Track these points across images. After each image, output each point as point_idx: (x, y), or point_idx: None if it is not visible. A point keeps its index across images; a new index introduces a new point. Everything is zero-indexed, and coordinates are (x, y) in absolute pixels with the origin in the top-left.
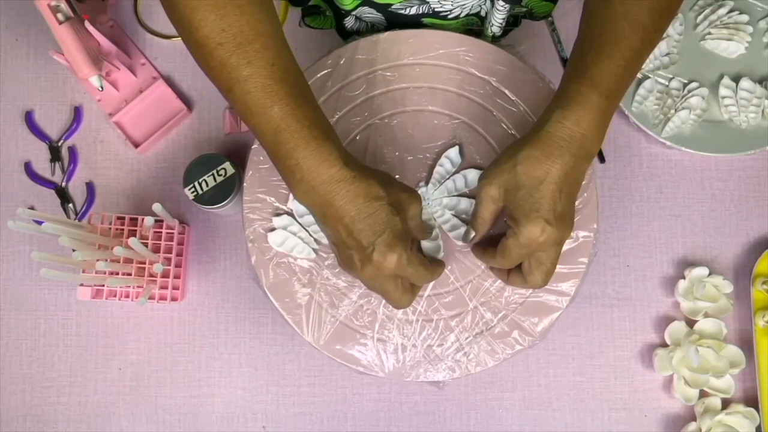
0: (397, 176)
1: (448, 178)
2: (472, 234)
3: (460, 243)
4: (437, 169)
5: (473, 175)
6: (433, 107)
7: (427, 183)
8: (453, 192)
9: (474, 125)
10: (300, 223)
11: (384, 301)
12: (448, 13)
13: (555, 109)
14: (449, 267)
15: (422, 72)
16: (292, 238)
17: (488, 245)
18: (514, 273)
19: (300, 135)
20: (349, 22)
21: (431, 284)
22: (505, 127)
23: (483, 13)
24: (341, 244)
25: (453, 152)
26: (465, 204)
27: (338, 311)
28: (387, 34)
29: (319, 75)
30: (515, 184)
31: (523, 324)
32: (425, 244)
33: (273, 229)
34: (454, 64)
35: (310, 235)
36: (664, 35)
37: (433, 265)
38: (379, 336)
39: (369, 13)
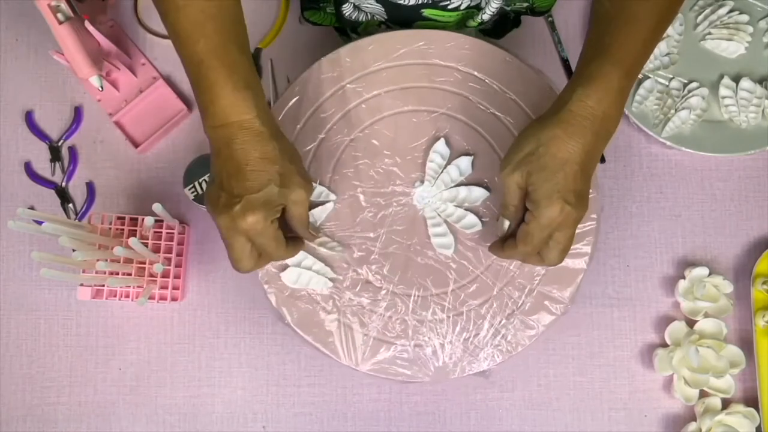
0: (394, 182)
1: (442, 172)
2: (507, 224)
3: (468, 232)
4: (429, 165)
5: (465, 162)
6: (410, 106)
7: (422, 182)
8: (450, 184)
9: (453, 114)
10: (313, 256)
11: (410, 306)
12: (448, 2)
13: (576, 88)
14: (469, 254)
15: (390, 75)
16: (305, 272)
17: (504, 240)
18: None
19: (219, 73)
20: (347, 10)
21: (452, 280)
22: (483, 108)
23: (483, 5)
24: (218, 182)
25: (440, 145)
26: (464, 192)
27: (368, 328)
28: (346, 47)
29: (290, 104)
30: (538, 165)
31: (551, 294)
32: (438, 240)
33: (285, 267)
34: (418, 59)
35: (326, 265)
36: (664, 35)
37: (289, 247)
38: (416, 342)
39: (368, 4)
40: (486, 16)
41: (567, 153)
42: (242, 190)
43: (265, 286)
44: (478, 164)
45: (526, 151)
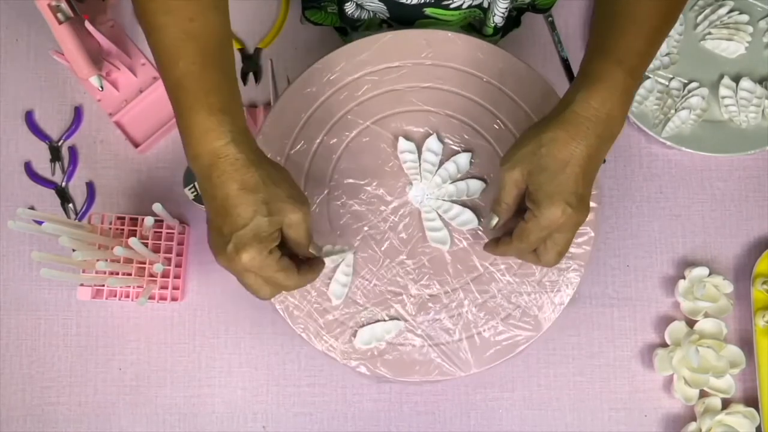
0: (387, 192)
1: (439, 168)
2: (495, 220)
3: (464, 228)
4: (424, 165)
5: (464, 159)
6: (369, 121)
7: (416, 182)
8: (447, 180)
9: (401, 109)
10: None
11: (475, 289)
12: (451, 2)
13: (580, 89)
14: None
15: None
16: (376, 327)
17: (498, 239)
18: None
19: (196, 98)
20: (350, 9)
21: (479, 257)
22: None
23: (486, 4)
24: (209, 220)
25: (432, 141)
26: (462, 186)
27: (456, 333)
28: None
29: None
30: (539, 166)
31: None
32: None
33: (355, 332)
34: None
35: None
36: None
37: (302, 271)
38: (502, 316)
39: (370, 2)
40: (498, 18)
41: (568, 154)
42: (230, 228)
43: (353, 363)
44: (476, 161)
45: (527, 150)
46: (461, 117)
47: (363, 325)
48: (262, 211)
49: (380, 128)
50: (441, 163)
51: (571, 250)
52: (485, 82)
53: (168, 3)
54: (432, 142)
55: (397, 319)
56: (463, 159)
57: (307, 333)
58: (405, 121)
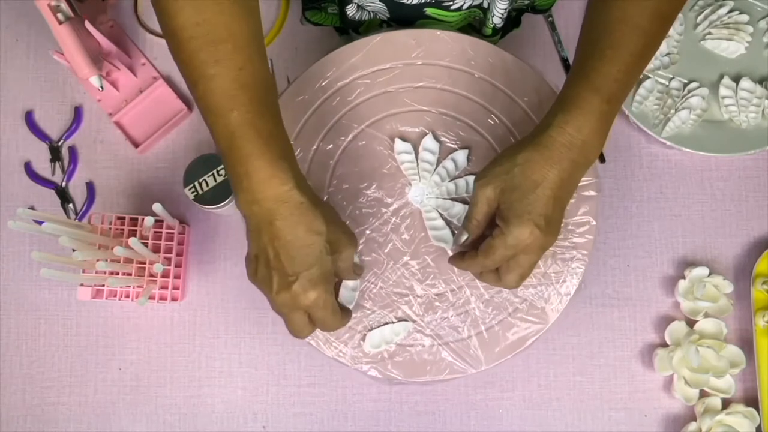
0: (387, 195)
1: (437, 167)
2: (465, 236)
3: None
4: (422, 165)
5: (462, 156)
6: (363, 124)
7: (415, 182)
8: (446, 178)
9: (395, 111)
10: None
11: (482, 285)
12: (451, 3)
13: (557, 113)
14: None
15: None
16: (385, 329)
17: (463, 253)
18: (488, 271)
19: (255, 145)
20: (351, 11)
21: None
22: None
23: (485, 4)
24: (265, 262)
25: (428, 141)
26: (462, 183)
27: (464, 331)
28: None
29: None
30: (512, 185)
31: (575, 220)
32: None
33: (363, 336)
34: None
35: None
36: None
37: (343, 313)
38: (511, 309)
39: (371, 3)
40: (497, 19)
41: (541, 176)
42: (297, 268)
43: (364, 367)
44: (474, 157)
45: (501, 168)
46: (455, 114)
47: (371, 329)
48: (327, 250)
49: (375, 131)
50: (438, 162)
51: (574, 239)
52: (477, 78)
53: (217, 53)
54: (428, 142)
55: (405, 320)
56: (461, 156)
57: (316, 340)
58: (400, 122)
